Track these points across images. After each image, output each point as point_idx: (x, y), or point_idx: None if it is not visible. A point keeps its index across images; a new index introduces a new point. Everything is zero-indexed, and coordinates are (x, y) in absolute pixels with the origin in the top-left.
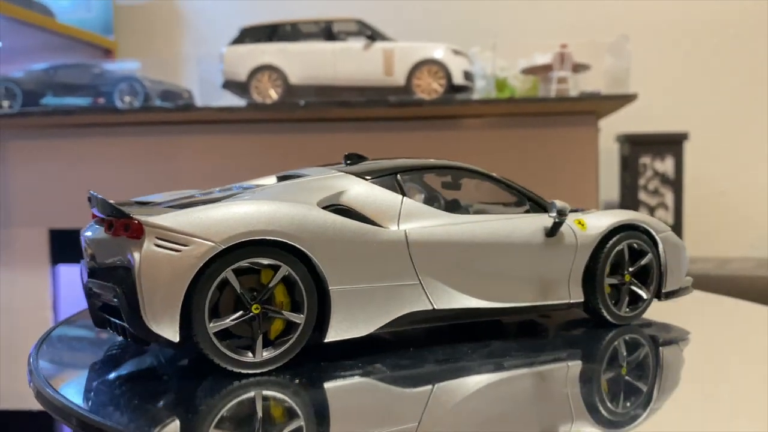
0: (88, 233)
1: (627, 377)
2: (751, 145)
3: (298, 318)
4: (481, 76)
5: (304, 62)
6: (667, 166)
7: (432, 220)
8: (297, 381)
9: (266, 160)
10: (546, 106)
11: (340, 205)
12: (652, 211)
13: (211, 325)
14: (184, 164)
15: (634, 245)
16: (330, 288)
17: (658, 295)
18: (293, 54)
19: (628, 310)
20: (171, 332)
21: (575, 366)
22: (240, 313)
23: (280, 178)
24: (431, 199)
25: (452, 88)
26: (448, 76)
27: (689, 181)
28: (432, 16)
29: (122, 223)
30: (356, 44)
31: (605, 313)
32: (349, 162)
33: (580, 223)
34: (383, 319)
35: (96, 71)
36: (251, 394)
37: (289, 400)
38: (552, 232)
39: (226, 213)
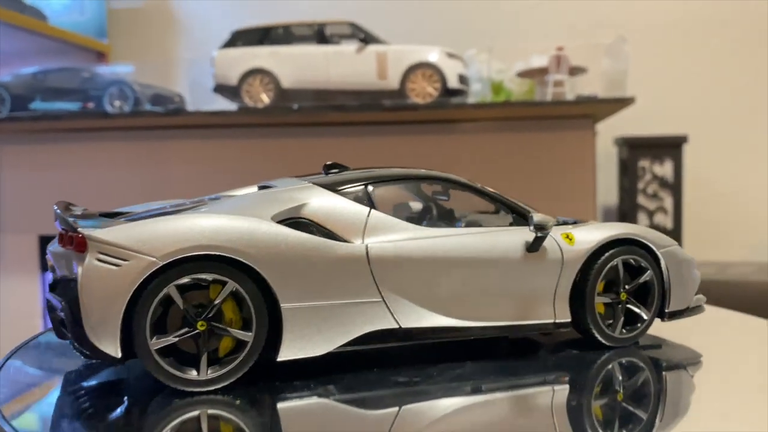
0: (52, 247)
1: (623, 404)
2: (751, 147)
3: (246, 336)
4: (477, 80)
5: (297, 66)
6: (666, 169)
7: (401, 233)
8: (238, 402)
9: (259, 165)
10: (542, 109)
11: (300, 218)
12: (651, 215)
13: (153, 341)
14: (176, 169)
15: (631, 261)
16: (282, 305)
17: (661, 315)
18: (285, 57)
19: (624, 331)
20: (112, 348)
21: (562, 390)
22: (185, 329)
23: (261, 188)
24: (425, 210)
25: (447, 92)
26: (443, 79)
27: (689, 184)
28: (427, 18)
29: (69, 237)
30: (349, 47)
31: (597, 334)
32: (329, 172)
33: (567, 237)
34: (343, 337)
35: (85, 75)
36: (196, 412)
37: (237, 421)
38: (533, 247)
39: (169, 227)
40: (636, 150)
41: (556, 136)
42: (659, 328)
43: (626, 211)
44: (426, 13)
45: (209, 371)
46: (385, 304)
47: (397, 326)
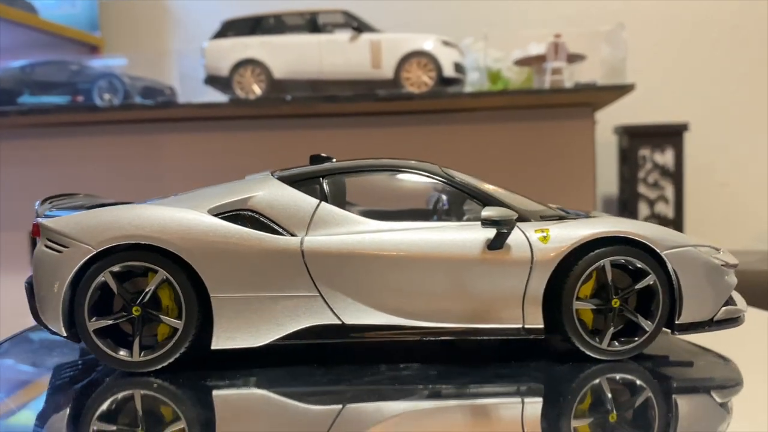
0: None
1: (617, 425)
2: (753, 135)
3: (176, 323)
4: (475, 68)
5: (289, 56)
6: (666, 158)
7: (350, 227)
8: (159, 384)
9: (252, 157)
10: (540, 98)
11: (245, 210)
12: (651, 204)
13: (91, 322)
14: (167, 162)
15: (624, 262)
16: (211, 294)
17: (671, 327)
18: (277, 47)
19: (616, 343)
20: (57, 326)
21: (534, 404)
22: (121, 313)
23: None
24: (437, 201)
25: (443, 81)
26: (438, 68)
27: (690, 173)
28: (424, 6)
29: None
30: (342, 36)
31: (578, 344)
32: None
33: (542, 233)
34: (278, 330)
35: (74, 68)
36: (130, 392)
37: (172, 404)
38: (494, 243)
39: (105, 217)
40: (636, 138)
41: (555, 125)
42: (691, 337)
43: (627, 201)
44: (422, 1)
45: (142, 354)
46: (323, 299)
47: (339, 322)
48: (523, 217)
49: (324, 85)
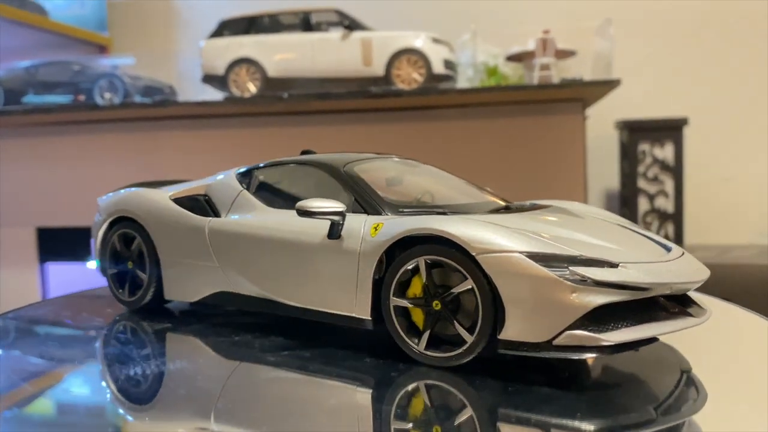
0: None
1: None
2: (753, 129)
3: (143, 276)
4: (471, 65)
5: (282, 54)
6: (666, 152)
7: (247, 212)
8: (146, 326)
9: (248, 154)
10: (528, 93)
11: (201, 195)
12: (651, 199)
13: (109, 269)
14: (167, 159)
15: (440, 263)
16: (159, 257)
17: (493, 342)
18: (271, 46)
19: (430, 350)
20: (100, 270)
21: (364, 394)
22: (122, 266)
23: None
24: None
25: (433, 78)
26: (428, 65)
27: (690, 167)
28: (419, 4)
29: None
30: (334, 35)
31: (398, 343)
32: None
33: (375, 227)
34: (200, 292)
35: (76, 68)
36: (125, 322)
37: (144, 337)
38: (330, 233)
39: (116, 196)
40: (636, 133)
41: (545, 120)
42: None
43: (628, 196)
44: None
45: (130, 296)
46: (221, 270)
47: (235, 291)
48: (375, 210)
49: (317, 82)
